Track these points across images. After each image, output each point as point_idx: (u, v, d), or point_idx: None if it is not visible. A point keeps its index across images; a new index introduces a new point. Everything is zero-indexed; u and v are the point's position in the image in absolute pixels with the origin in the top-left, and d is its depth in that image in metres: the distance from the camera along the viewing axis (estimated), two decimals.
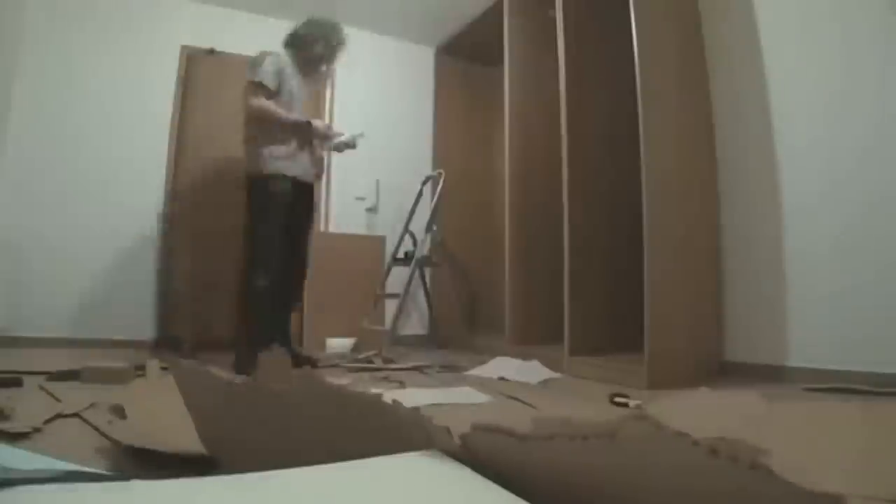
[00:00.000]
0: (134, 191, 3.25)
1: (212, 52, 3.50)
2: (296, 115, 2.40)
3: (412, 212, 3.63)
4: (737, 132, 2.33)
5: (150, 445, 0.90)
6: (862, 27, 1.94)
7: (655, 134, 2.12)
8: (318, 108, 3.84)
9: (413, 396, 1.67)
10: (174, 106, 3.38)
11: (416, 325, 3.86)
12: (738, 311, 2.27)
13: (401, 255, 3.51)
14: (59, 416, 1.22)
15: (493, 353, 2.71)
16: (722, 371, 2.21)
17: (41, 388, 1.59)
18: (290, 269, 2.42)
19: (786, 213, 2.13)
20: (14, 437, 1.00)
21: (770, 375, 2.05)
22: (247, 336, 2.30)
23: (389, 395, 1.66)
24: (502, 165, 3.19)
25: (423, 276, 3.60)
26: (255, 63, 2.35)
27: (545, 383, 2.13)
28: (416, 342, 3.66)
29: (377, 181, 3.88)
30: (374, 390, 1.70)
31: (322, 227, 3.74)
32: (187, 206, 3.36)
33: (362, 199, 3.84)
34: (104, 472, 0.67)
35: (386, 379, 2.15)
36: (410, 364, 2.53)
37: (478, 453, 0.48)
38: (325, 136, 2.57)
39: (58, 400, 1.41)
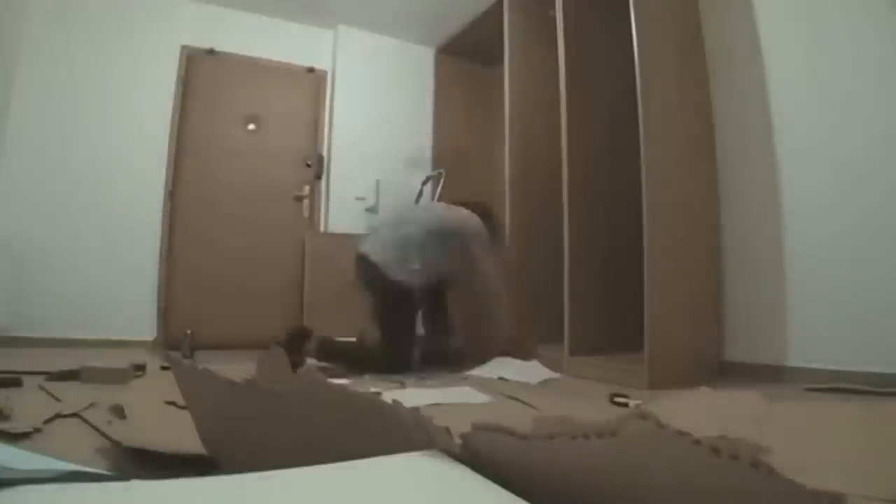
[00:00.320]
0: (134, 191, 3.25)
1: (212, 52, 3.50)
2: None
3: None
4: (737, 132, 2.33)
5: (150, 445, 0.90)
6: (864, 27, 1.93)
7: (655, 134, 2.12)
8: (319, 109, 3.85)
9: (413, 396, 1.66)
10: (174, 106, 3.38)
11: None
12: (738, 311, 2.27)
13: None
14: (58, 416, 1.22)
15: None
16: (722, 371, 2.21)
17: (41, 388, 1.58)
18: None
19: (786, 214, 2.13)
20: (14, 437, 1.00)
21: (770, 375, 2.05)
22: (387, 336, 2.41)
23: (389, 395, 1.67)
24: (502, 165, 3.19)
25: None
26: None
27: (545, 383, 2.13)
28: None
29: (377, 181, 3.88)
30: (373, 390, 1.71)
31: (322, 227, 3.75)
32: (187, 206, 3.36)
33: (362, 198, 3.84)
34: (104, 472, 0.67)
35: (386, 379, 2.15)
36: None
37: (478, 453, 0.48)
38: None
39: (57, 400, 1.41)
